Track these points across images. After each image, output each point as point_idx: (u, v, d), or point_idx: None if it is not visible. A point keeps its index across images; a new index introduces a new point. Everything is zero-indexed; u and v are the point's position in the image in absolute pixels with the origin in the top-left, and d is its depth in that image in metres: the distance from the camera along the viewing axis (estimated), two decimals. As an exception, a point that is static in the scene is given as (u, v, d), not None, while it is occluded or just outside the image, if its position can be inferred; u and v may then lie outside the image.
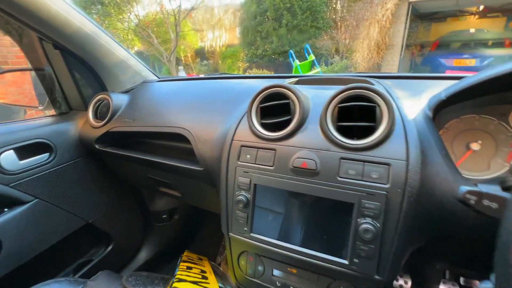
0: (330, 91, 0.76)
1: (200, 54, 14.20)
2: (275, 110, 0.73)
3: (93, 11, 12.12)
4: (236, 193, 0.72)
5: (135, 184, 1.44)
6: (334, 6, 11.60)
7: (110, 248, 1.34)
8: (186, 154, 1.02)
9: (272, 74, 1.15)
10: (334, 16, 11.57)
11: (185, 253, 1.50)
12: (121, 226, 1.40)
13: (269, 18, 11.19)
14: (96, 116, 1.12)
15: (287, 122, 0.70)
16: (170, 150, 1.07)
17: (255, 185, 0.70)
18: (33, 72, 1.19)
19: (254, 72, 11.07)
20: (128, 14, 11.11)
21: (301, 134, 0.67)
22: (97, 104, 1.13)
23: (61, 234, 1.11)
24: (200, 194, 1.08)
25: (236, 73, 12.72)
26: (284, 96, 0.72)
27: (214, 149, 0.81)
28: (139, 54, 14.61)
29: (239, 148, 0.73)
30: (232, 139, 0.75)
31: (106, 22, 12.12)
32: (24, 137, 0.98)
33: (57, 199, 1.08)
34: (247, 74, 1.17)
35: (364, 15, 7.85)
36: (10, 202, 0.96)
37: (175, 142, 1.05)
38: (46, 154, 1.05)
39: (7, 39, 4.39)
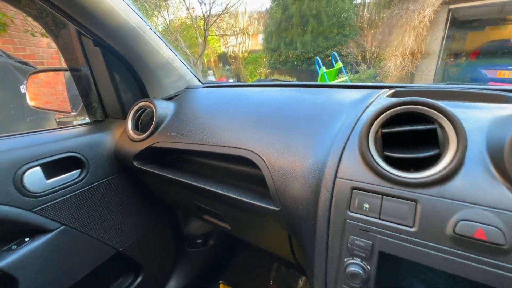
0: (477, 110, 0.52)
1: (223, 59, 14.29)
2: (403, 139, 0.50)
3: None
4: (346, 260, 0.49)
5: (174, 206, 1.24)
6: (361, 13, 11.26)
7: (139, 279, 1.14)
8: (250, 181, 0.81)
9: (345, 83, 0.92)
10: (361, 24, 11.22)
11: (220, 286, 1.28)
12: (152, 253, 1.21)
13: (294, 25, 11.04)
14: (137, 127, 0.94)
15: (432, 159, 0.46)
16: (227, 173, 0.86)
17: (380, 253, 0.46)
18: (67, 73, 1.03)
19: (277, 78, 10.89)
20: (156, 18, 11.40)
21: (463, 180, 0.43)
22: (138, 112, 0.94)
23: (88, 266, 0.93)
24: (263, 234, 0.85)
25: (257, 79, 12.63)
26: (425, 118, 0.48)
27: (300, 186, 0.58)
28: (164, 57, 14.91)
29: (348, 191, 0.50)
30: (336, 177, 0.52)
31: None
32: (53, 150, 0.81)
33: (86, 225, 0.90)
34: (307, 82, 0.94)
35: (398, 22, 7.45)
36: (32, 231, 0.78)
37: (234, 164, 0.84)
38: (77, 171, 0.87)
39: (44, 40, 4.49)
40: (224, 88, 1.10)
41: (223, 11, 10.20)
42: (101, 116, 1.03)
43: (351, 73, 9.91)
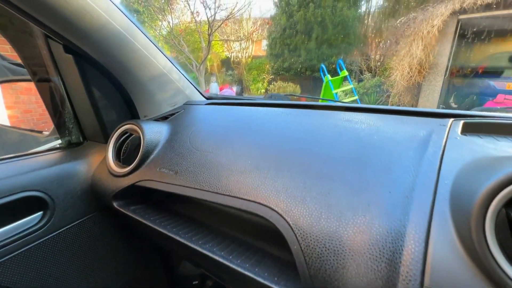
0: None
1: (226, 64, 14.19)
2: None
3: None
4: None
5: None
6: (366, 22, 11.18)
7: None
8: (267, 240, 0.60)
9: (381, 107, 0.72)
10: (366, 32, 11.13)
11: None
12: (138, 302, 0.99)
13: (298, 31, 10.95)
14: (119, 156, 0.73)
15: None
16: (235, 224, 0.65)
17: None
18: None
19: (279, 85, 10.75)
20: (160, 22, 11.34)
21: None
22: (122, 137, 0.74)
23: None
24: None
25: (260, 85, 12.48)
26: None
27: (352, 278, 0.38)
28: (167, 61, 14.84)
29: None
30: (422, 285, 0.31)
31: (139, 29, 12.46)
32: (5, 189, 0.60)
33: (46, 283, 0.68)
34: (332, 102, 0.72)
35: (405, 32, 7.30)
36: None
37: (250, 215, 0.63)
38: (38, 215, 0.67)
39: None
40: (232, 106, 0.90)
41: (228, 16, 10.13)
42: (78, 138, 0.83)
43: (356, 82, 9.78)
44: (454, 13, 6.56)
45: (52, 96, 0.75)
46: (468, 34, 7.32)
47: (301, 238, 0.43)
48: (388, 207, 0.40)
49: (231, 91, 6.09)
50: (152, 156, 0.69)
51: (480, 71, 7.82)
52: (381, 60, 9.39)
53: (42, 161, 0.71)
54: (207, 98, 1.08)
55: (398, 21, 7.89)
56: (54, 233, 0.69)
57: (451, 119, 0.58)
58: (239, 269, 0.50)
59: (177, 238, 0.59)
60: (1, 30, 0.67)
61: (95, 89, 0.74)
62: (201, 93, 1.06)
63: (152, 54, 0.77)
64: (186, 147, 0.67)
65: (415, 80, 7.20)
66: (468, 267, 0.30)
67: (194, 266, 1.05)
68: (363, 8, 11.18)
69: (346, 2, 10.46)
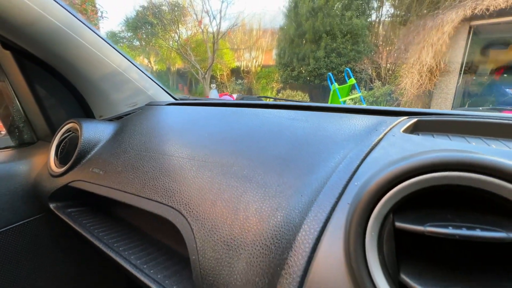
0: None
1: (236, 73, 14.37)
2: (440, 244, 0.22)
3: (143, 31, 13.09)
4: None
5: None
6: (376, 30, 11.08)
7: None
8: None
9: (345, 106, 0.66)
10: (376, 40, 11.01)
11: None
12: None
13: (307, 41, 10.99)
14: (59, 156, 0.71)
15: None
16: (170, 232, 0.60)
17: None
18: None
19: (288, 93, 10.73)
20: (173, 34, 11.73)
21: None
22: (64, 136, 0.71)
23: None
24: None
25: (269, 94, 12.50)
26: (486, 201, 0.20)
27: None
28: (178, 70, 15.28)
29: None
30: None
31: (153, 41, 12.96)
32: None
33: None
34: (297, 102, 0.66)
35: (415, 39, 7.15)
36: None
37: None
38: (-30, 215, 0.64)
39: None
40: (192, 106, 0.86)
41: (232, 25, 10.34)
42: (30, 138, 0.81)
43: (365, 90, 9.62)
44: (465, 20, 6.37)
45: (1, 96, 0.74)
46: (481, 41, 7.07)
47: (200, 247, 0.38)
48: (292, 212, 0.34)
49: (231, 98, 6.10)
50: (88, 156, 0.65)
51: (496, 78, 7.49)
52: (392, 68, 9.23)
53: (-18, 160, 0.69)
54: (177, 99, 1.05)
55: (406, 28, 7.75)
56: (-13, 236, 0.66)
57: (404, 117, 0.51)
58: (147, 281, 0.45)
59: (97, 243, 0.54)
60: None
61: (40, 87, 0.72)
62: (169, 94, 1.03)
63: (102, 52, 0.75)
64: (123, 147, 0.63)
65: (426, 88, 6.98)
66: (347, 289, 0.23)
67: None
68: (373, 17, 11.12)
69: (355, 11, 10.45)
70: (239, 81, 14.24)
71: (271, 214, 0.35)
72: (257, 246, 0.33)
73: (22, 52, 0.66)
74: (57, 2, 0.63)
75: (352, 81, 7.20)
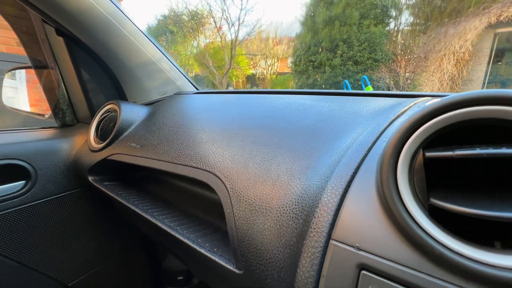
0: None
1: (251, 80, 14.58)
2: (467, 173, 0.24)
3: (163, 38, 13.65)
4: None
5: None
6: (394, 38, 10.94)
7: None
8: (216, 216, 0.58)
9: (368, 92, 0.68)
10: (394, 48, 10.85)
11: None
12: (118, 290, 0.99)
13: (323, 49, 11.01)
14: (99, 133, 0.77)
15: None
16: (195, 201, 0.64)
17: None
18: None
19: (303, 100, 10.71)
20: (192, 42, 12.15)
21: None
22: (103, 116, 0.78)
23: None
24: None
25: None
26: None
27: (274, 240, 0.34)
28: (196, 76, 15.73)
29: (352, 271, 0.25)
30: (329, 237, 0.28)
31: (173, 48, 13.48)
32: (-10, 155, 0.65)
33: (23, 252, 0.72)
34: (319, 90, 0.69)
35: (435, 46, 7.00)
36: None
37: (209, 192, 0.62)
38: (21, 183, 0.71)
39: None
40: (218, 94, 0.91)
41: (250, 32, 10.57)
42: (72, 120, 0.89)
43: (382, 98, 9.45)
44: (490, 27, 6.17)
45: (49, 80, 0.83)
46: (507, 48, 6.80)
47: (234, 201, 0.41)
48: (323, 168, 0.37)
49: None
50: (125, 133, 0.71)
51: (523, 88, 7.14)
52: (411, 77, 9.04)
53: (32, 136, 0.77)
54: (200, 91, 1.11)
55: (427, 36, 7.61)
56: (33, 202, 0.72)
57: (429, 98, 0.53)
58: (181, 238, 0.48)
59: (134, 208, 0.59)
60: (8, 21, 0.76)
61: (85, 72, 0.80)
62: (194, 85, 1.09)
63: (139, 42, 0.82)
64: (158, 125, 0.69)
65: (447, 97, 6.75)
66: (378, 218, 0.26)
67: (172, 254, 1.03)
68: (391, 25, 11.00)
69: (372, 20, 10.39)
70: (254, 87, 14.43)
71: (302, 172, 0.38)
72: (289, 196, 0.36)
73: (72, 38, 0.74)
74: (104, -6, 0.70)
75: (369, 89, 7.13)
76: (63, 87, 0.83)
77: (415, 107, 0.44)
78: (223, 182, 0.44)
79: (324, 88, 11.17)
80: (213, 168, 0.47)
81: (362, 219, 0.27)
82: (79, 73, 0.78)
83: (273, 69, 13.86)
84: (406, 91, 8.84)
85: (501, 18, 5.77)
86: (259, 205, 0.38)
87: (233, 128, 0.56)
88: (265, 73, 13.85)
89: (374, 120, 0.44)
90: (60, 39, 0.73)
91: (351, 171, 0.32)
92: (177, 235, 0.49)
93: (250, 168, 0.44)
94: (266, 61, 13.70)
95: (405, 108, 0.45)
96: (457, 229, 0.23)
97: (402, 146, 0.25)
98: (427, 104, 0.25)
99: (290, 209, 0.34)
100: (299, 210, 0.33)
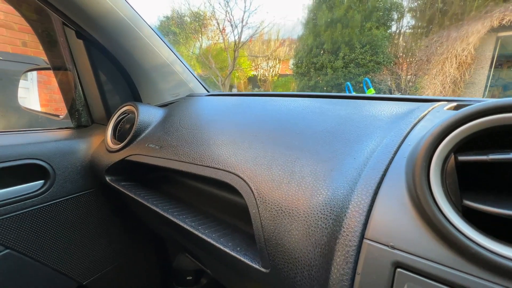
0: None
1: (253, 81, 14.62)
2: (497, 177, 0.26)
3: (166, 39, 13.71)
4: None
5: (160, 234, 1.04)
6: (396, 41, 10.97)
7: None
8: (240, 218, 0.59)
9: (382, 95, 0.69)
10: (396, 51, 10.88)
11: None
12: (130, 289, 1.00)
13: (325, 51, 11.04)
14: (116, 134, 0.78)
15: None
16: (214, 202, 0.65)
17: None
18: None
19: (305, 102, 10.73)
20: (194, 43, 12.20)
21: None
22: (120, 118, 0.79)
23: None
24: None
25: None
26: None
27: (302, 239, 0.36)
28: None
29: (388, 269, 0.26)
30: (363, 236, 0.29)
31: (175, 49, 13.53)
32: (10, 155, 0.67)
33: (40, 249, 0.73)
34: (330, 93, 0.71)
35: (437, 49, 7.02)
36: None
37: (225, 192, 0.64)
38: (40, 182, 0.73)
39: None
40: (229, 97, 0.92)
41: (253, 34, 10.62)
42: (86, 121, 0.90)
43: (384, 101, 9.48)
44: (492, 30, 6.19)
45: (66, 81, 0.84)
46: (510, 52, 6.82)
47: (260, 202, 0.42)
48: (348, 170, 0.38)
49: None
50: (143, 134, 0.72)
51: (526, 91, 7.15)
52: (413, 79, 9.06)
53: (50, 136, 0.78)
54: (212, 93, 1.12)
55: (429, 39, 7.63)
56: (52, 202, 0.74)
57: (446, 103, 0.54)
58: (205, 237, 0.50)
59: (155, 208, 0.60)
60: (29, 23, 0.78)
61: (102, 74, 0.81)
62: (205, 88, 1.10)
63: (155, 44, 0.84)
64: (175, 126, 0.70)
65: (449, 100, 6.77)
66: (411, 218, 0.27)
67: (184, 250, 1.04)
68: (393, 28, 11.04)
69: (374, 22, 10.42)
70: (256, 89, 14.45)
71: (327, 174, 0.39)
72: (316, 197, 0.37)
73: (91, 41, 0.75)
74: (124, -1, 0.72)
75: (371, 91, 7.13)
76: (80, 88, 0.85)
77: (434, 112, 0.46)
78: (247, 184, 0.45)
79: (326, 91, 11.19)
80: (236, 169, 0.49)
81: (395, 219, 0.28)
82: (96, 75, 0.80)
83: (274, 71, 13.89)
84: (408, 93, 8.85)
85: (504, 22, 5.79)
86: (285, 205, 0.39)
87: (253, 130, 0.57)
88: (266, 75, 13.89)
89: (395, 124, 0.45)
90: (80, 41, 0.75)
91: (379, 173, 0.33)
92: (200, 234, 0.50)
93: (274, 170, 0.45)
94: (268, 63, 13.74)
95: (424, 112, 0.46)
96: (489, 229, 0.24)
97: (435, 149, 0.27)
98: (459, 111, 0.26)
99: (318, 210, 0.35)
100: (328, 211, 0.34)
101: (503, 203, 0.23)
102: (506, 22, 5.80)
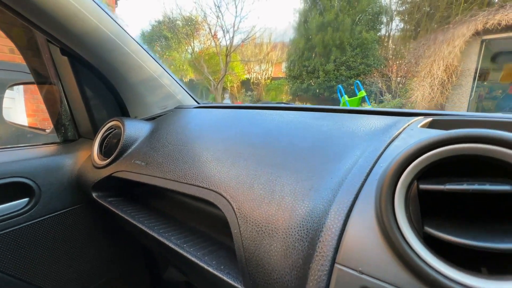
0: None
1: (246, 85, 14.68)
2: (459, 202, 0.27)
3: (157, 43, 13.66)
4: None
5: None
6: (386, 44, 11.20)
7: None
8: (221, 232, 0.60)
9: (363, 108, 0.72)
10: (386, 54, 11.10)
11: None
12: (119, 303, 0.99)
13: (316, 54, 11.18)
14: (102, 150, 0.78)
15: None
16: (199, 217, 0.66)
17: None
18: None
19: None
20: (186, 47, 12.19)
21: None
22: (107, 133, 0.79)
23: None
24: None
25: (279, 105, 12.63)
26: (498, 169, 0.26)
27: (281, 260, 0.37)
28: (190, 81, 15.74)
29: (356, 293, 0.28)
30: (334, 261, 0.30)
31: (167, 53, 13.49)
32: (-5, 174, 0.66)
33: (27, 269, 0.72)
34: (318, 106, 0.73)
35: (425, 52, 7.19)
36: None
37: (214, 208, 0.64)
38: (24, 200, 0.72)
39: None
40: (218, 109, 0.93)
41: (244, 39, 10.69)
42: (73, 135, 0.90)
43: (375, 102, 9.64)
44: (477, 34, 6.38)
45: (52, 96, 0.84)
46: (493, 54, 7.03)
47: (241, 222, 0.43)
48: (325, 191, 0.39)
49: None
50: (129, 150, 0.73)
51: (510, 92, 7.38)
52: (402, 81, 9.25)
53: (35, 152, 0.78)
54: (200, 104, 1.13)
55: (417, 42, 7.82)
56: (37, 219, 0.73)
57: (422, 117, 0.57)
58: (189, 256, 0.50)
59: (140, 226, 0.60)
60: (13, 40, 0.77)
61: (88, 89, 0.81)
62: (194, 99, 1.11)
63: (142, 59, 0.84)
64: (161, 142, 0.71)
65: (438, 101, 6.93)
66: (379, 243, 0.28)
67: (174, 268, 1.04)
68: (383, 31, 11.26)
69: (364, 26, 10.62)
70: (249, 92, 14.51)
71: (305, 194, 0.41)
72: (294, 218, 0.38)
73: (76, 58, 0.75)
74: (109, 15, 0.73)
75: (362, 93, 7.24)
76: (66, 102, 0.84)
77: (408, 130, 0.48)
78: (229, 203, 0.46)
79: (318, 93, 11.31)
80: (219, 188, 0.50)
81: (364, 244, 0.29)
82: (82, 90, 0.80)
83: (267, 74, 13.98)
84: (398, 95, 9.03)
85: (487, 26, 5.97)
86: (265, 226, 0.40)
87: (237, 147, 0.58)
88: (259, 78, 13.96)
89: (371, 142, 0.46)
90: (65, 58, 0.75)
91: (352, 196, 0.34)
92: (184, 253, 0.51)
93: (256, 189, 0.46)
94: (260, 66, 13.82)
95: (399, 130, 0.48)
96: (448, 254, 0.25)
97: (400, 176, 0.28)
98: (416, 141, 0.28)
99: (295, 231, 0.37)
100: (304, 233, 0.36)
101: (462, 231, 0.25)
102: (489, 25, 5.98)
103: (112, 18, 0.73)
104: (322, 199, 0.38)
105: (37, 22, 0.64)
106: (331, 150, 0.48)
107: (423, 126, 0.50)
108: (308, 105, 0.82)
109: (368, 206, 0.32)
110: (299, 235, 0.36)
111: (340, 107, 0.76)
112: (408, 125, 0.50)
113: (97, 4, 0.69)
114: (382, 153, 0.41)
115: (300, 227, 0.37)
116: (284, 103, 0.99)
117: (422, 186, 0.27)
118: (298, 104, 0.89)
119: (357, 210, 0.33)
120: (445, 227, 0.25)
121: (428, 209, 0.28)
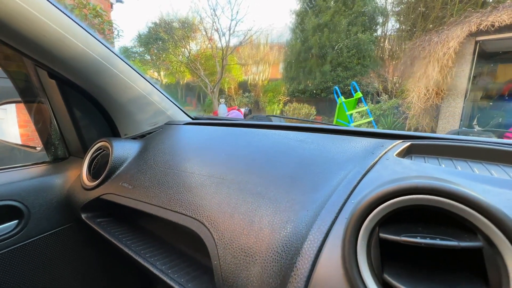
0: None
1: (243, 86, 14.68)
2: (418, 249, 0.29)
3: (154, 46, 13.63)
4: None
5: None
6: (382, 45, 11.26)
7: None
8: (207, 256, 0.61)
9: (345, 128, 0.73)
10: (382, 54, 11.16)
11: None
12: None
13: (313, 55, 11.22)
14: (91, 171, 0.79)
15: None
16: (191, 241, 0.67)
17: None
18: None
19: (294, 106, 10.86)
20: (183, 49, 12.18)
21: None
22: (96, 153, 0.80)
23: None
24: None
25: (276, 106, 12.69)
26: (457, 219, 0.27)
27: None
28: (187, 84, 15.72)
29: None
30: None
31: (163, 55, 13.47)
32: (-18, 198, 0.67)
33: (15, 290, 0.72)
34: (306, 125, 0.74)
35: (420, 53, 7.24)
36: None
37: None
38: (13, 223, 0.73)
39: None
40: (206, 126, 0.94)
41: (240, 42, 10.70)
42: (64, 154, 0.91)
43: (372, 103, 9.69)
44: (471, 35, 6.44)
45: (40, 116, 0.85)
46: (488, 56, 7.10)
47: (221, 253, 0.44)
48: (300, 224, 0.40)
49: (239, 112, 6.24)
50: (118, 172, 0.74)
51: (504, 92, 7.45)
52: (398, 82, 9.30)
53: (25, 174, 0.78)
54: (192, 119, 1.14)
55: (412, 43, 7.87)
56: (26, 241, 0.74)
57: (399, 141, 0.58)
58: (173, 284, 0.51)
59: (127, 250, 0.61)
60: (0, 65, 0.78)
61: (76, 110, 0.82)
62: (186, 114, 1.12)
63: (130, 78, 0.85)
64: (149, 164, 0.72)
65: (433, 102, 6.99)
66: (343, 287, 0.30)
67: None
68: (379, 32, 11.32)
69: (360, 27, 10.67)
70: (246, 94, 14.51)
71: (282, 226, 0.42)
72: (270, 253, 0.39)
73: (64, 80, 0.76)
74: (96, 38, 0.74)
75: (359, 94, 7.28)
76: (55, 123, 0.85)
77: (384, 160, 0.49)
78: (210, 233, 0.47)
79: (315, 93, 11.34)
80: (201, 216, 0.51)
81: (330, 286, 0.31)
82: (70, 110, 0.81)
83: (264, 75, 13.99)
84: (395, 95, 9.08)
85: (481, 27, 6.03)
86: (243, 258, 0.42)
87: (221, 172, 0.59)
88: (257, 79, 13.98)
89: (348, 171, 0.48)
90: (53, 81, 0.75)
91: (322, 235, 0.36)
92: (168, 281, 0.52)
93: (236, 219, 0.47)
94: (257, 68, 13.83)
95: (375, 160, 0.49)
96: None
97: (362, 223, 0.30)
98: (375, 191, 0.29)
99: (270, 267, 0.38)
100: (278, 269, 0.37)
101: (417, 280, 0.26)
102: (483, 27, 6.04)
103: (98, 40, 0.74)
104: (296, 234, 0.39)
105: (23, 50, 0.65)
106: (310, 180, 0.49)
107: (399, 154, 0.52)
108: (294, 124, 0.83)
109: (336, 248, 0.33)
110: (273, 271, 0.37)
111: (324, 125, 0.77)
112: (385, 153, 0.52)
113: (83, 28, 0.70)
114: (355, 187, 0.42)
115: (275, 262, 0.38)
116: (274, 116, 1.00)
117: (381, 235, 0.28)
118: (282, 122, 0.91)
119: (326, 250, 0.34)
120: (402, 276, 0.27)
121: (389, 254, 0.29)
